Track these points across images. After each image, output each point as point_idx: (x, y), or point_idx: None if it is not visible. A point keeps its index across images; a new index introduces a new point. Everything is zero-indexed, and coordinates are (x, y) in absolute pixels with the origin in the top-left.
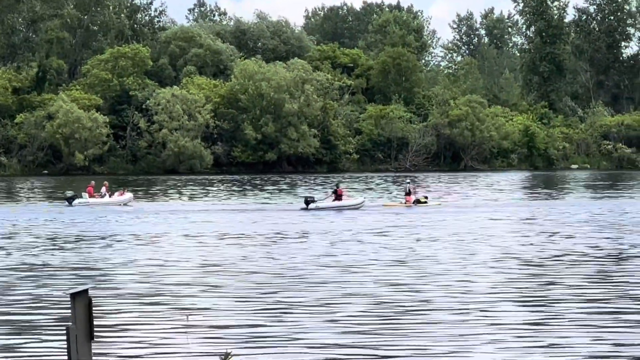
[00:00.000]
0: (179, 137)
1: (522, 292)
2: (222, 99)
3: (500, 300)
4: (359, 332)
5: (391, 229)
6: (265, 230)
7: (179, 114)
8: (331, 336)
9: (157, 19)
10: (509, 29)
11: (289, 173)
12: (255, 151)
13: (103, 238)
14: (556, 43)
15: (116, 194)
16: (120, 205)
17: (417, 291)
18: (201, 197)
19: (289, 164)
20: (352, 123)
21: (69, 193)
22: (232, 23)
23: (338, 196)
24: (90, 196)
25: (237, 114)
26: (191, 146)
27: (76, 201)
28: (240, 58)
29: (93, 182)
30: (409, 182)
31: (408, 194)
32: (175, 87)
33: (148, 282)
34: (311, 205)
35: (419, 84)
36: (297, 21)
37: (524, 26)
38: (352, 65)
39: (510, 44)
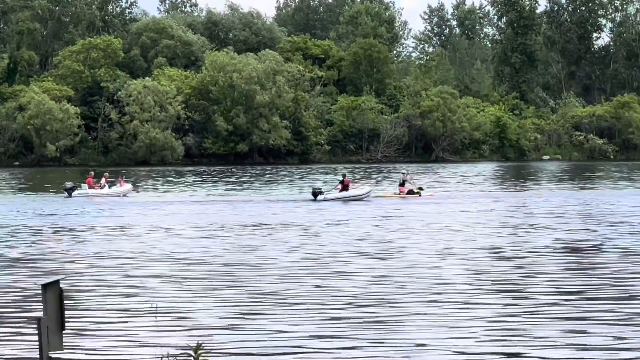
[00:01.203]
0: (150, 128)
1: (495, 283)
2: (194, 91)
3: (474, 292)
4: (332, 323)
5: (368, 220)
6: (249, 222)
7: (150, 105)
8: (303, 327)
9: (129, 10)
10: (481, 20)
11: (260, 164)
12: (227, 142)
13: (79, 229)
14: (528, 34)
15: (117, 184)
16: (119, 196)
17: (391, 282)
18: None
19: (260, 155)
20: (323, 114)
21: (69, 184)
22: (203, 14)
23: (345, 186)
24: (90, 187)
25: (208, 105)
26: (162, 137)
27: (75, 192)
28: (211, 49)
29: (92, 173)
30: (404, 172)
31: (402, 184)
32: (146, 78)
33: (120, 273)
34: (319, 197)
35: (390, 75)
36: (268, 12)
37: (496, 17)
38: (323, 56)
39: (482, 35)
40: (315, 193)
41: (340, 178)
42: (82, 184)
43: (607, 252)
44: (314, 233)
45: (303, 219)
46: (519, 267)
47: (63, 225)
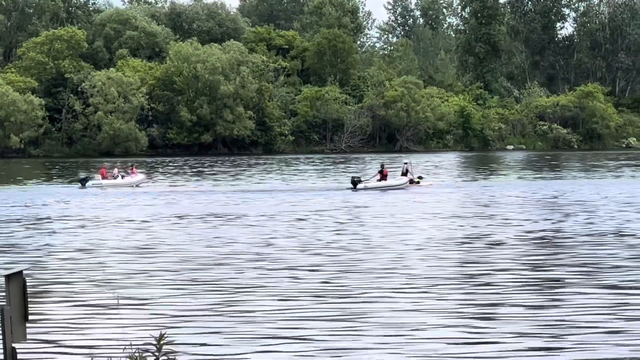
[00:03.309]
0: (114, 119)
1: (461, 275)
2: (157, 81)
3: (439, 284)
4: (299, 316)
5: (340, 211)
6: (227, 213)
7: (114, 96)
8: (270, 318)
9: (92, 2)
10: (444, 10)
11: (224, 155)
12: (191, 133)
13: (46, 220)
14: (491, 24)
15: (130, 174)
16: (132, 186)
17: (358, 274)
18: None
19: (224, 146)
20: (287, 105)
21: (82, 175)
22: (167, 5)
23: (383, 176)
24: (103, 178)
25: (172, 96)
26: (126, 128)
27: (89, 183)
28: (175, 40)
29: (106, 164)
30: (406, 163)
31: (404, 174)
32: (110, 69)
33: (85, 264)
34: (359, 186)
35: (354, 66)
36: (232, 3)
37: (459, 7)
38: (287, 47)
39: (446, 25)
40: (355, 182)
41: (379, 168)
42: (96, 175)
43: (577, 241)
44: (300, 222)
45: (294, 209)
46: (489, 259)
47: (28, 216)
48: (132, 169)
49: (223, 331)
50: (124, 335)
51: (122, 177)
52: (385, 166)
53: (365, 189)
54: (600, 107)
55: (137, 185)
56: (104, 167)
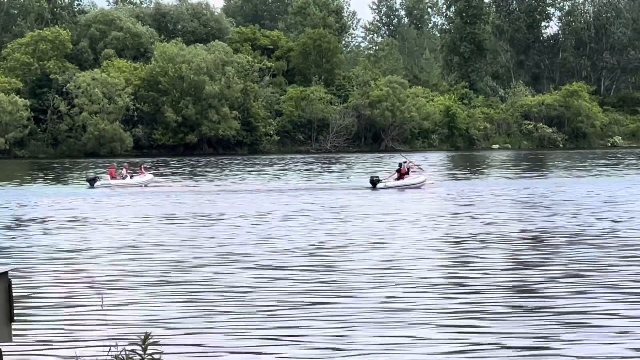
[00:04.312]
0: (99, 120)
1: (448, 275)
2: (142, 82)
3: (426, 284)
4: (280, 316)
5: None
6: (206, 213)
7: (99, 97)
8: (256, 319)
9: (77, 2)
10: (429, 10)
11: (210, 155)
12: (176, 133)
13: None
14: (476, 23)
15: (139, 174)
16: (141, 186)
17: (341, 273)
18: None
19: (210, 146)
20: (272, 105)
21: (91, 175)
22: (152, 6)
23: (402, 174)
24: (112, 178)
25: (157, 97)
26: (111, 129)
27: (98, 183)
28: (160, 41)
29: (114, 164)
30: (405, 161)
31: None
32: (95, 70)
33: (72, 265)
34: (379, 185)
35: (339, 66)
36: (216, 3)
37: (444, 6)
38: (272, 47)
39: (431, 25)
40: (374, 181)
41: (397, 167)
42: (105, 175)
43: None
44: (281, 222)
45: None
46: (473, 258)
47: (15, 217)
48: (141, 168)
49: (209, 332)
50: (110, 335)
51: (131, 177)
52: (403, 165)
53: (386, 188)
54: (586, 106)
55: (145, 185)
56: (112, 168)
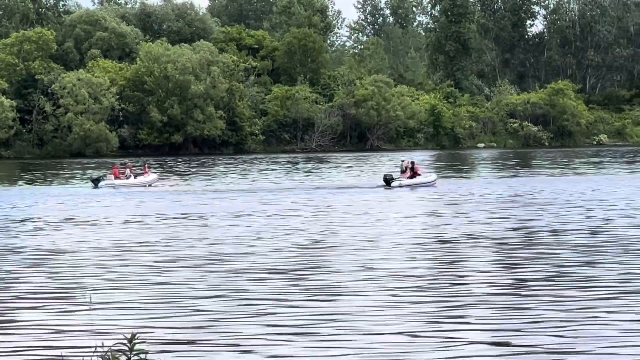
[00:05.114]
0: (84, 120)
1: (434, 275)
2: (128, 82)
3: (411, 285)
4: (272, 314)
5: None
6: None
7: (85, 97)
8: (243, 321)
9: (62, 3)
10: (414, 9)
11: (195, 155)
12: (161, 133)
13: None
14: (461, 22)
15: (143, 174)
16: (145, 186)
17: (329, 272)
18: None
19: (195, 146)
20: (257, 104)
21: (95, 175)
22: (137, 6)
23: (414, 173)
24: (116, 177)
25: (142, 97)
26: (97, 129)
27: (102, 183)
28: (145, 41)
29: (118, 164)
30: (404, 160)
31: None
32: (80, 70)
33: (59, 265)
34: (394, 184)
35: (324, 65)
36: (201, 3)
37: (429, 5)
38: (257, 46)
39: (416, 24)
40: (388, 180)
41: (410, 165)
42: (108, 175)
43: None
44: (269, 222)
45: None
46: (460, 258)
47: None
48: (145, 168)
49: (197, 332)
50: (96, 335)
51: (135, 176)
52: (416, 164)
53: (400, 186)
54: (571, 104)
55: (149, 185)
56: (115, 167)
